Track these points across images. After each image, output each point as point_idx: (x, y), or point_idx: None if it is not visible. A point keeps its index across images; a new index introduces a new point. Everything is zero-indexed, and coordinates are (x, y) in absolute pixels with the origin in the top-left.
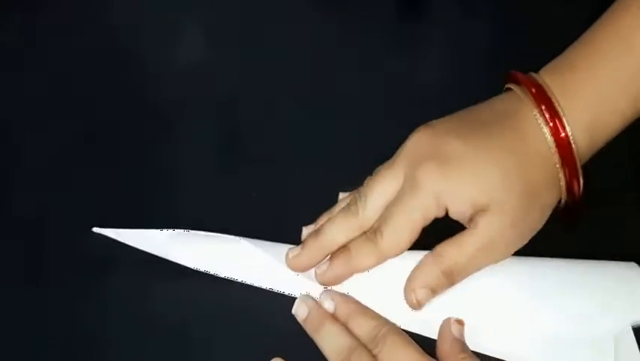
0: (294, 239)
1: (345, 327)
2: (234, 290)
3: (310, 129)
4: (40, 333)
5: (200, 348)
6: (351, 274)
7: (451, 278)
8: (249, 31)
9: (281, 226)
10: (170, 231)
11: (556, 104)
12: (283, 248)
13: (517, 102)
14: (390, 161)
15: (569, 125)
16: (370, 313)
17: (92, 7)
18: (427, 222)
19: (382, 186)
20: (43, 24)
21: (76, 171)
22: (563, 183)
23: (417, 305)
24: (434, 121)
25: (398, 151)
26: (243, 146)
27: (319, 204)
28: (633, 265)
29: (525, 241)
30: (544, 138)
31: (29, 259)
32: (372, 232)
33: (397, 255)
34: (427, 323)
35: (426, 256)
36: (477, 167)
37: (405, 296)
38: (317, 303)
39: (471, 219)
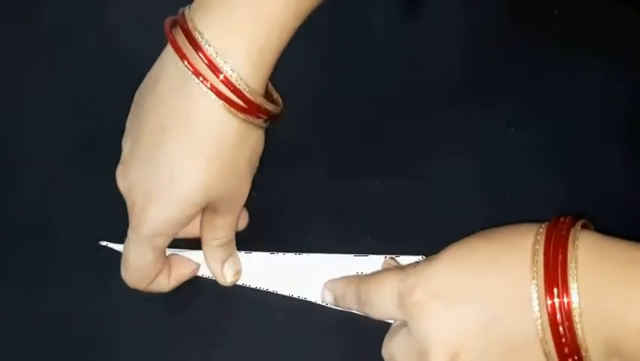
0: (293, 239)
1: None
2: (236, 293)
3: (310, 129)
4: (41, 335)
5: (202, 348)
6: None
7: None
8: None
9: (281, 226)
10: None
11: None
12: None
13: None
14: None
15: (227, 63)
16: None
17: (92, 8)
18: None
19: None
20: (44, 25)
21: (77, 173)
22: (243, 116)
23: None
24: None
25: None
26: None
27: (319, 203)
28: None
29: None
30: (207, 93)
31: (31, 262)
32: None
33: None
34: None
35: None
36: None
37: None
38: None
39: None
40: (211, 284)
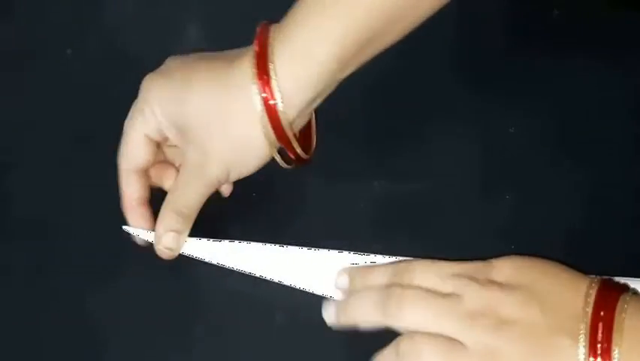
0: (293, 239)
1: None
2: (239, 284)
3: None
4: (43, 332)
5: (205, 343)
6: None
7: None
8: (248, 29)
9: (281, 227)
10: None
11: (270, 68)
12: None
13: (245, 56)
14: None
15: (279, 90)
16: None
17: (90, 7)
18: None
19: None
20: (43, 25)
21: (76, 172)
22: (273, 138)
23: None
24: None
25: None
26: None
27: (319, 204)
28: None
29: (233, 177)
30: (253, 98)
31: (31, 260)
32: None
33: None
34: None
35: None
36: (181, 86)
37: None
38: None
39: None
40: (213, 283)
